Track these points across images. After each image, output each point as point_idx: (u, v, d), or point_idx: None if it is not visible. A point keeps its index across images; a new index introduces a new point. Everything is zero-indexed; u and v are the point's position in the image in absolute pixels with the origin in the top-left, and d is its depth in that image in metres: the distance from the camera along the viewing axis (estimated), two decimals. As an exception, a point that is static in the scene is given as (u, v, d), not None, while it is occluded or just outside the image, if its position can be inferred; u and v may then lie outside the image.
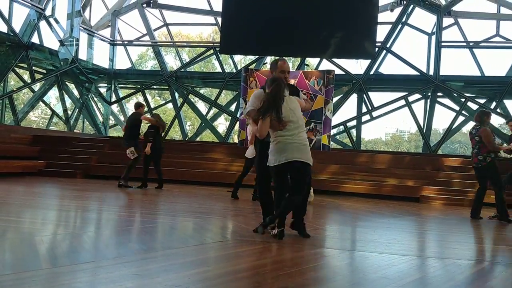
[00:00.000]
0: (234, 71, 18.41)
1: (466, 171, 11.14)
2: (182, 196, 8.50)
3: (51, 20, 15.74)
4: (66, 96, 16.59)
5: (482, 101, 15.76)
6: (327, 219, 6.75)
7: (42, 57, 15.58)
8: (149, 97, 22.99)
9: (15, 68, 15.10)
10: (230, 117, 17.83)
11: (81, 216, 5.78)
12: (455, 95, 15.55)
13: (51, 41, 16.10)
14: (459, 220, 7.17)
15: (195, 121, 29.36)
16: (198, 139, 18.88)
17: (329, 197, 9.77)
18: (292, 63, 25.11)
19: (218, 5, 16.43)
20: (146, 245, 3.93)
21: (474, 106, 15.68)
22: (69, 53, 16.18)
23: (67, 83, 16.88)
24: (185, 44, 27.67)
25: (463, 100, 15.38)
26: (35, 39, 15.04)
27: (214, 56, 18.88)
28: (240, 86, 14.83)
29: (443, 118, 28.53)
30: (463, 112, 15.57)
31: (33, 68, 15.15)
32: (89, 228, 4.90)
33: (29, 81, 15.87)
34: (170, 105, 22.21)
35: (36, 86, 16.42)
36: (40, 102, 17.30)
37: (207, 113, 18.87)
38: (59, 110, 17.11)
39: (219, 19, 16.75)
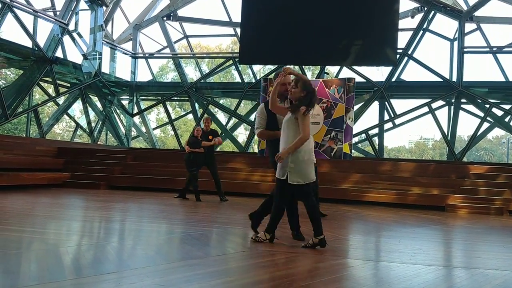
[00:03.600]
0: (253, 81, 18.48)
1: (492, 179, 10.89)
2: (203, 206, 8.52)
3: (75, 34, 16.09)
4: (89, 109, 16.89)
5: (507, 107, 15.43)
6: (350, 229, 6.66)
7: (66, 71, 15.93)
8: (170, 109, 23.25)
9: (40, 82, 15.45)
10: (250, 127, 17.87)
11: (104, 227, 5.84)
12: (479, 101, 15.27)
13: (74, 55, 16.46)
14: (486, 229, 7.00)
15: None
16: (218, 149, 18.94)
17: (352, 207, 9.66)
18: (311, 71, 25.10)
19: (237, 16, 16.58)
20: (168, 255, 3.94)
21: (499, 112, 15.36)
22: (92, 66, 16.50)
23: (90, 96, 17.20)
24: (204, 55, 27.93)
25: (487, 106, 15.08)
26: (59, 54, 15.40)
27: (233, 67, 19.00)
28: (259, 96, 14.86)
29: (467, 124, 28.04)
30: (488, 118, 15.26)
31: (57, 82, 15.48)
32: (112, 239, 4.94)
33: (53, 95, 16.21)
34: (190, 116, 22.38)
35: (61, 100, 16.78)
36: (65, 115, 17.66)
37: (227, 123, 18.95)
38: (83, 122, 17.42)
39: (238, 30, 16.88)
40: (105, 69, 17.61)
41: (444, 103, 16.24)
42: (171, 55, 19.29)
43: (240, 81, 18.08)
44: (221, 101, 20.25)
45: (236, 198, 10.46)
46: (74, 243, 4.49)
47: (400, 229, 6.56)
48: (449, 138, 15.49)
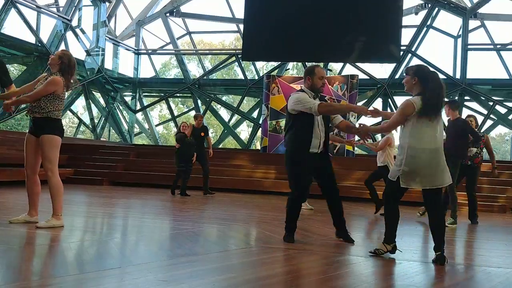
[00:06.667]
0: (256, 77, 18.46)
1: (495, 176, 10.84)
2: (205, 203, 8.53)
3: (78, 30, 16.10)
4: (92, 105, 16.91)
5: (511, 104, 15.38)
6: (352, 226, 6.64)
7: (69, 67, 15.92)
8: (172, 105, 23.26)
9: (43, 78, 15.46)
10: (253, 124, 17.86)
11: (107, 223, 5.86)
12: (483, 98, 15.22)
13: (77, 51, 16.45)
14: (489, 227, 6.98)
15: (218, 128, 29.52)
16: (220, 146, 18.96)
17: (354, 204, 9.66)
18: (314, 68, 24.99)
19: (240, 13, 16.55)
20: (171, 251, 3.94)
21: (502, 110, 15.31)
22: (95, 62, 16.51)
23: (93, 92, 17.21)
24: (207, 52, 27.91)
25: (491, 103, 15.04)
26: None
27: (236, 63, 18.99)
28: (262, 93, 14.85)
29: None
30: (491, 116, 15.22)
31: (61, 78, 15.49)
32: (115, 235, 4.95)
33: (56, 91, 16.22)
34: (193, 113, 22.37)
35: (64, 96, 16.79)
36: (68, 111, 17.68)
37: (230, 120, 18.95)
38: (86, 118, 17.45)
39: (241, 26, 16.84)
40: (108, 65, 17.63)
41: (447, 100, 16.18)
42: (174, 51, 19.29)
43: (243, 78, 18.06)
44: (223, 98, 20.21)
45: (239, 195, 10.47)
46: (77, 239, 4.50)
47: (403, 226, 6.53)
48: (452, 136, 15.44)
